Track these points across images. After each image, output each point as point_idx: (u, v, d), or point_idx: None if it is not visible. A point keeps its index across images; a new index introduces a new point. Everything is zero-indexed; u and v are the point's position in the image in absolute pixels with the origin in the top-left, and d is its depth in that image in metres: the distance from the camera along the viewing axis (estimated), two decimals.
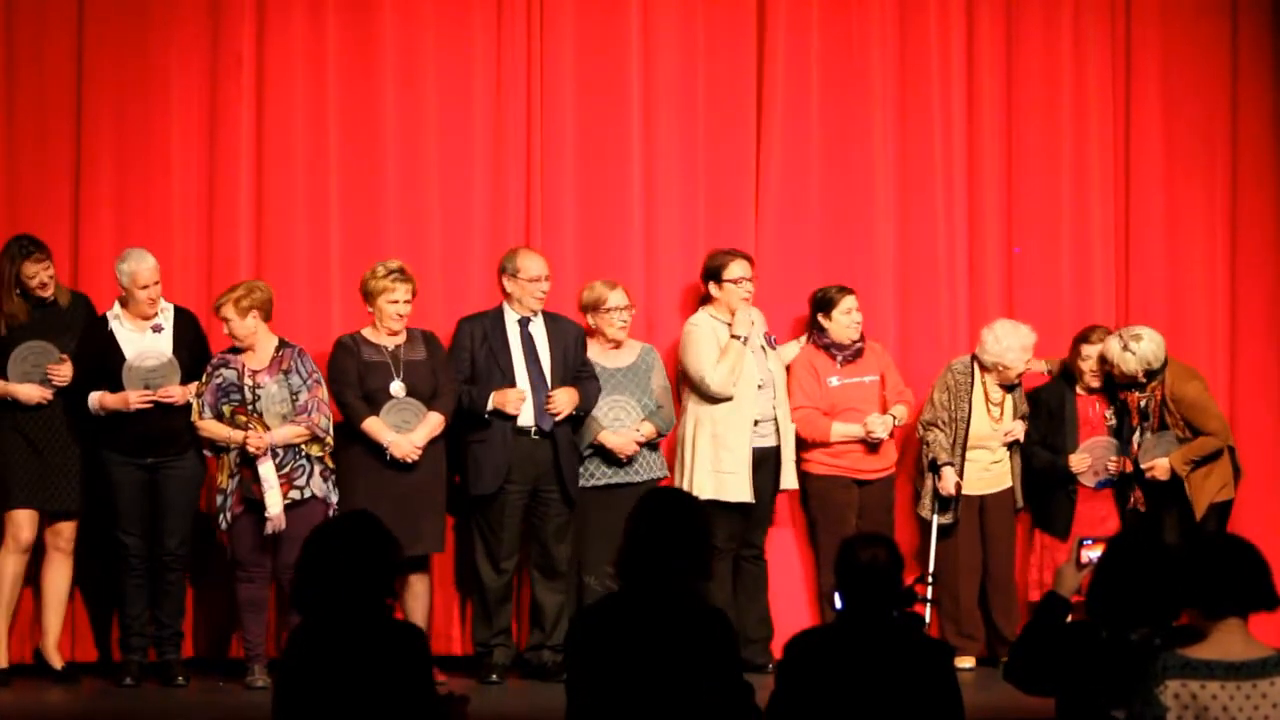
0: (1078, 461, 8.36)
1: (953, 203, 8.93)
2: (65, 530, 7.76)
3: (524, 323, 7.98)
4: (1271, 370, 8.98)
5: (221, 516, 7.63)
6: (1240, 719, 4.18)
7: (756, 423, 8.13)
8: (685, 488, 7.91)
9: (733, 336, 8.12)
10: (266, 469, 7.55)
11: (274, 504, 7.54)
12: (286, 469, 7.62)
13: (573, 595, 8.00)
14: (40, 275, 7.66)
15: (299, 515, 7.55)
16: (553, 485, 7.92)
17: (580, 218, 8.64)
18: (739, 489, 8.03)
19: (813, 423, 8.33)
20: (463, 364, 7.91)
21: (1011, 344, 8.38)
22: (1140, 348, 8.25)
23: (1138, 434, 8.35)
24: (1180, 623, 4.59)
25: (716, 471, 8.05)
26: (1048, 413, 8.49)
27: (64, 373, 7.63)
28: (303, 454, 7.65)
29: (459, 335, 7.99)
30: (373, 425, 7.68)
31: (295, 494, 7.61)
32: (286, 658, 4.60)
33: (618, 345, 8.16)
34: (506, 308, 8.00)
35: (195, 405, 7.66)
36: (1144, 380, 8.30)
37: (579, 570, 8.03)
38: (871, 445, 8.35)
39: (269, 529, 7.58)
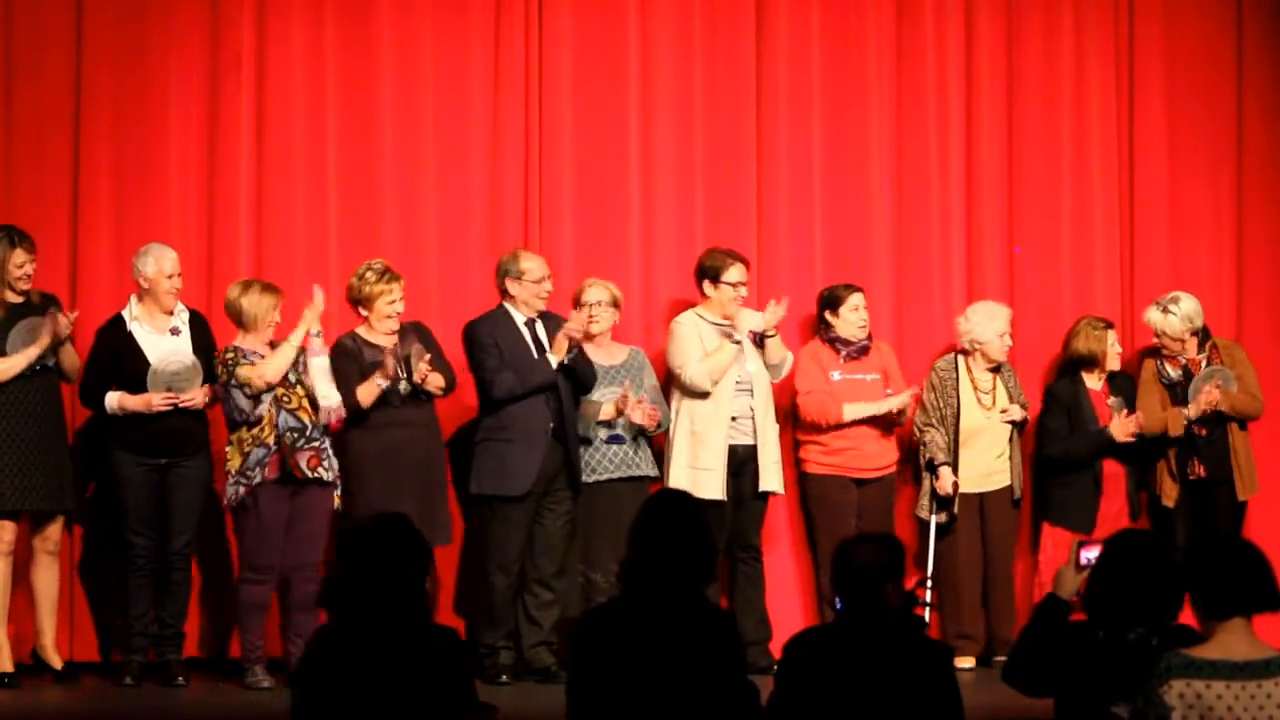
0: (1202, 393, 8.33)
1: (950, 202, 8.94)
2: (52, 532, 7.76)
3: (530, 324, 7.97)
4: (1278, 368, 8.98)
5: (233, 491, 7.56)
6: (1245, 719, 4.19)
7: (734, 419, 8.13)
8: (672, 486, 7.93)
9: (733, 341, 8.12)
10: (320, 361, 7.58)
11: (327, 395, 7.58)
12: (318, 443, 7.63)
13: (575, 594, 7.98)
14: (27, 266, 7.67)
15: (311, 506, 7.61)
16: (563, 484, 7.89)
17: (578, 218, 8.65)
18: (714, 486, 8.02)
19: (822, 405, 8.34)
20: (495, 357, 7.84)
21: (982, 319, 8.46)
22: (1180, 307, 8.44)
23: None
24: (1176, 623, 4.61)
25: (693, 468, 8.06)
26: (1063, 406, 8.51)
27: (63, 324, 7.64)
28: (328, 436, 7.68)
29: (478, 334, 7.89)
30: (367, 385, 7.71)
31: (323, 473, 7.62)
32: (311, 658, 4.53)
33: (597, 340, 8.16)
34: (511, 309, 7.97)
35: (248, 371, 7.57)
36: (1193, 338, 8.44)
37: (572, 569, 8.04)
38: (884, 427, 8.39)
39: (332, 419, 7.61)
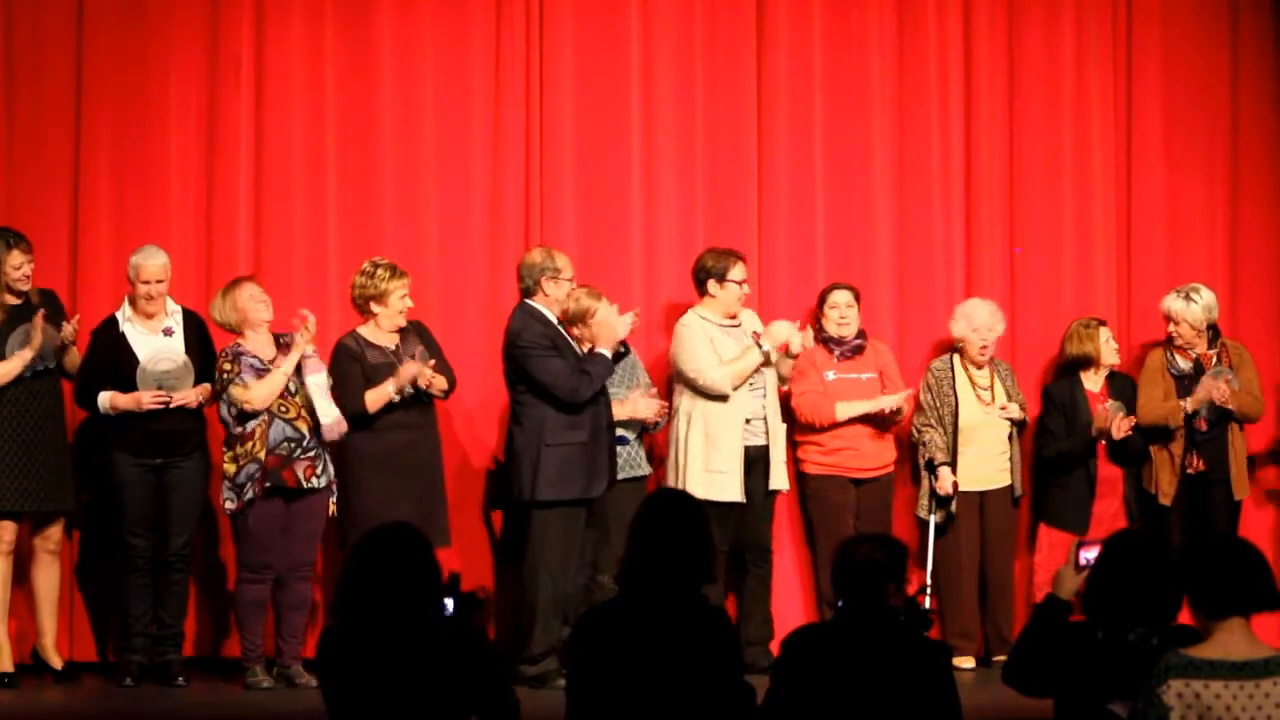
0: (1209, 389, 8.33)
1: (951, 202, 8.95)
2: (53, 532, 7.77)
3: (560, 323, 7.86)
4: (1274, 368, 8.97)
5: (231, 501, 7.55)
6: (1244, 719, 4.19)
7: (748, 421, 8.11)
8: (679, 488, 7.84)
9: (762, 350, 8.06)
10: (318, 379, 7.57)
11: (327, 413, 7.56)
12: (314, 453, 7.62)
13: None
14: (25, 267, 7.67)
15: (308, 509, 7.62)
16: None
17: (579, 218, 8.64)
18: (731, 488, 7.99)
19: (816, 404, 8.33)
20: (559, 358, 7.67)
21: (961, 319, 8.47)
22: (1201, 296, 8.46)
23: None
24: (1176, 623, 4.62)
25: (708, 471, 8.02)
26: (1059, 407, 8.50)
27: (67, 331, 7.66)
28: (325, 445, 7.67)
29: (536, 339, 7.66)
30: (377, 392, 7.67)
31: (317, 481, 7.62)
32: (327, 659, 4.51)
33: None
34: (544, 309, 7.77)
35: (236, 389, 7.56)
36: (1208, 331, 8.46)
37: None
38: (880, 426, 8.39)
39: (336, 435, 7.59)
